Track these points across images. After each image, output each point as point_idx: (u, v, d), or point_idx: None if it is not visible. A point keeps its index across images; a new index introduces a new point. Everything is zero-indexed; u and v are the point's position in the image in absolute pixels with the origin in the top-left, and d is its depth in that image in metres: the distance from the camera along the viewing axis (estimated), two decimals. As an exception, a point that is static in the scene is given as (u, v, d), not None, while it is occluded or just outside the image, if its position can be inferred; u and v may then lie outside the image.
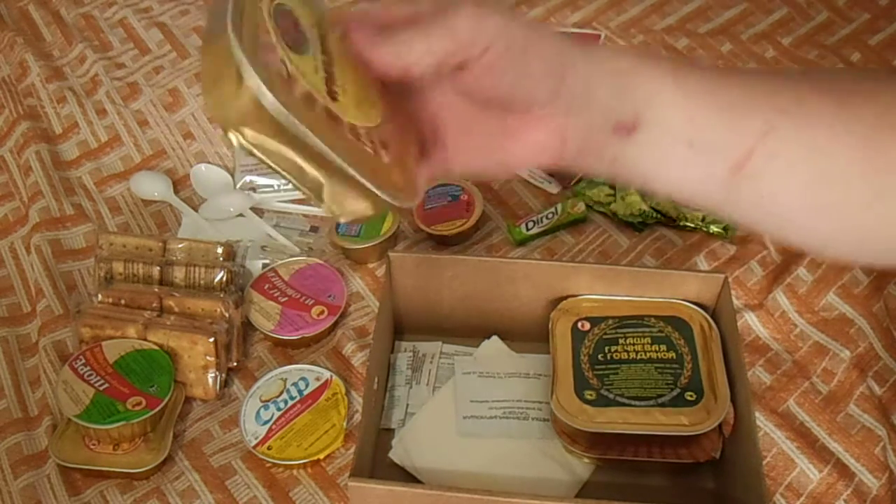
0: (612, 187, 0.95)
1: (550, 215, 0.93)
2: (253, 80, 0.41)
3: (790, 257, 0.89)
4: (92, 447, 0.77)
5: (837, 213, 0.51)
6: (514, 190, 0.97)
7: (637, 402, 0.72)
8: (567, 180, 0.96)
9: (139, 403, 0.76)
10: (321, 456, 0.77)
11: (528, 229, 0.92)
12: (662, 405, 0.72)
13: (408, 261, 0.78)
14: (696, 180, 0.52)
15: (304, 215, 0.96)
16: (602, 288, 0.78)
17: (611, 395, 0.72)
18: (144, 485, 0.77)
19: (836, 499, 0.74)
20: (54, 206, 0.95)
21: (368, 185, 0.45)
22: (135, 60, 1.11)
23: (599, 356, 0.75)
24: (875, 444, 0.77)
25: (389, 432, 0.78)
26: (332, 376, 0.81)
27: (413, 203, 0.49)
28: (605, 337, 0.76)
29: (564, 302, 0.79)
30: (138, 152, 1.02)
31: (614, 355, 0.75)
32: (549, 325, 0.77)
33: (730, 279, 0.76)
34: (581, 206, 0.93)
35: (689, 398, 0.72)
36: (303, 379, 0.81)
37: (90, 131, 1.04)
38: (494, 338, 0.83)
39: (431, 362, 0.82)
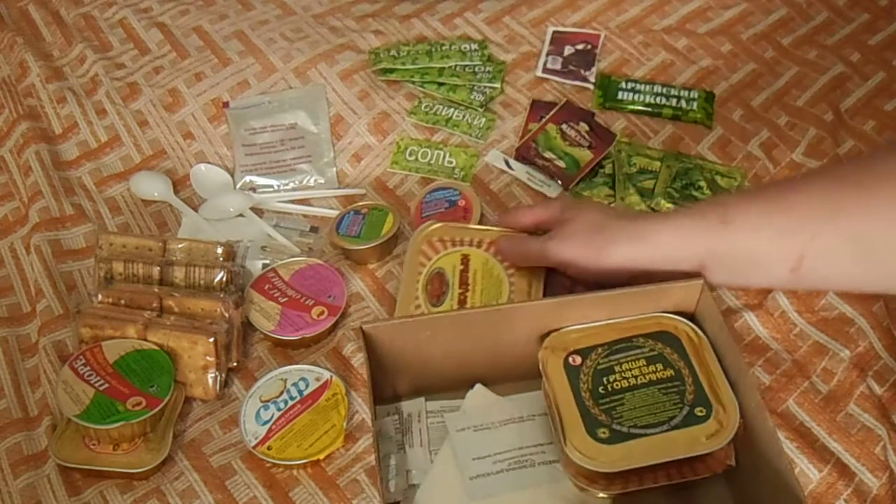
0: (612, 188, 0.95)
1: (550, 215, 0.93)
2: None
3: (790, 257, 0.89)
4: (92, 447, 0.77)
5: (883, 267, 0.66)
6: (514, 193, 0.97)
7: (651, 430, 0.70)
8: (567, 182, 0.96)
9: (139, 403, 0.76)
10: (321, 456, 0.77)
11: (528, 229, 0.92)
12: (676, 427, 0.70)
13: (382, 330, 0.74)
14: (762, 281, 0.75)
15: (304, 215, 0.96)
16: (583, 316, 0.76)
17: (624, 429, 0.70)
18: (144, 485, 0.77)
19: (836, 499, 0.74)
20: (54, 206, 0.95)
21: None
22: (135, 60, 1.11)
23: (600, 389, 0.72)
24: (875, 443, 0.77)
25: None
26: (332, 377, 0.81)
27: None
28: (599, 368, 0.74)
29: (549, 338, 0.76)
30: (138, 152, 1.02)
31: (614, 385, 0.73)
32: (540, 367, 0.74)
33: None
34: (581, 207, 0.93)
35: (699, 414, 0.70)
36: (303, 379, 0.81)
37: (90, 131, 1.04)
38: (478, 386, 0.79)
39: (419, 421, 0.79)
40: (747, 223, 0.69)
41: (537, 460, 0.75)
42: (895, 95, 1.05)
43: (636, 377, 0.73)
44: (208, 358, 0.80)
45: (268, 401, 0.79)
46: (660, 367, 0.73)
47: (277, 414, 0.78)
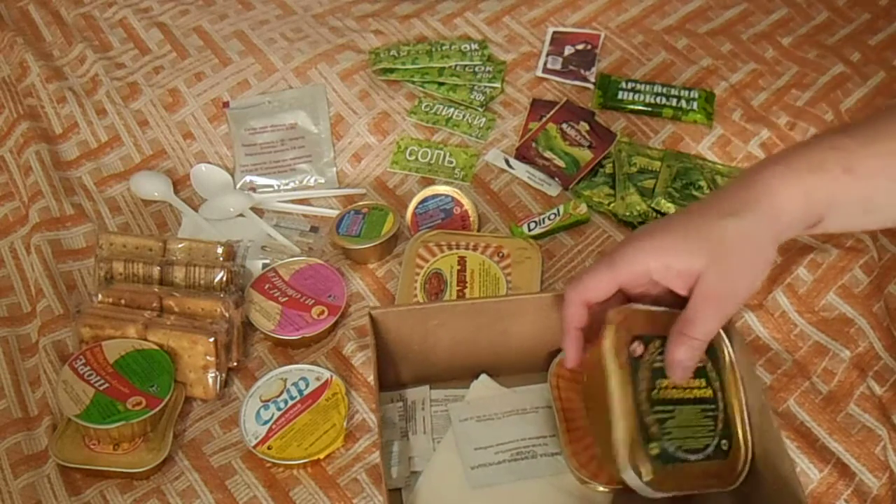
0: (612, 187, 0.95)
1: (553, 216, 0.93)
2: None
3: (790, 257, 0.89)
4: (92, 447, 0.77)
5: None
6: (514, 192, 0.97)
7: (692, 457, 0.63)
8: (567, 181, 0.96)
9: (139, 403, 0.76)
10: (321, 456, 0.77)
11: (530, 230, 0.92)
12: (708, 458, 0.64)
13: (391, 316, 0.74)
14: (875, 225, 0.66)
15: (304, 215, 0.96)
16: None
17: (671, 449, 0.62)
18: (144, 485, 0.77)
19: (837, 499, 0.74)
20: (54, 206, 0.95)
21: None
22: (135, 60, 1.11)
23: (654, 393, 0.63)
24: (875, 443, 0.77)
25: (397, 493, 0.74)
26: (332, 376, 0.81)
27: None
28: (655, 366, 0.63)
29: (616, 312, 0.64)
30: (138, 152, 1.02)
31: (666, 393, 0.63)
32: (605, 344, 0.63)
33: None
34: (583, 208, 0.93)
35: (723, 447, 0.65)
36: (303, 379, 0.81)
37: (90, 131, 1.04)
38: (483, 377, 0.79)
39: (423, 409, 0.79)
40: (871, 169, 0.61)
41: (539, 452, 0.75)
42: (895, 95, 1.05)
43: (684, 389, 0.65)
44: (208, 358, 0.80)
45: (268, 400, 0.79)
46: (703, 383, 0.66)
47: (277, 413, 0.78)
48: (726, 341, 0.69)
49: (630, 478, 0.62)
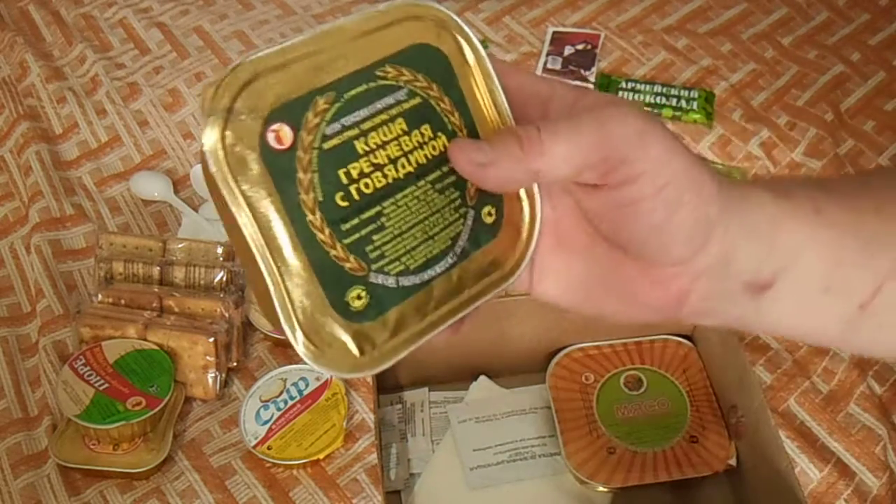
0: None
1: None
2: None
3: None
4: (92, 447, 0.77)
5: None
6: (514, 190, 0.97)
7: (431, 273, 0.38)
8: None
9: (139, 403, 0.76)
10: (321, 456, 0.77)
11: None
12: (465, 256, 0.39)
13: None
14: (819, 323, 0.46)
15: (304, 215, 0.96)
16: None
17: (390, 282, 0.37)
18: (144, 485, 0.77)
19: (837, 498, 0.74)
20: (54, 206, 0.95)
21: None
22: (135, 60, 1.11)
23: (339, 197, 0.36)
24: (875, 443, 0.77)
25: (396, 495, 0.74)
26: (331, 376, 0.81)
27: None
28: (327, 146, 0.36)
29: (225, 80, 0.37)
30: (138, 152, 1.02)
31: (364, 184, 0.36)
32: (209, 161, 0.37)
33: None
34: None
35: (488, 219, 0.39)
36: (303, 379, 0.81)
37: (90, 131, 1.04)
38: (482, 378, 0.80)
39: (422, 411, 0.79)
40: (839, 218, 0.44)
41: (538, 452, 0.76)
42: (895, 95, 1.05)
43: (398, 161, 0.37)
44: (208, 358, 0.80)
45: (268, 400, 0.79)
46: (430, 130, 0.38)
47: (277, 414, 0.78)
48: (458, 25, 0.42)
49: (319, 362, 0.37)
